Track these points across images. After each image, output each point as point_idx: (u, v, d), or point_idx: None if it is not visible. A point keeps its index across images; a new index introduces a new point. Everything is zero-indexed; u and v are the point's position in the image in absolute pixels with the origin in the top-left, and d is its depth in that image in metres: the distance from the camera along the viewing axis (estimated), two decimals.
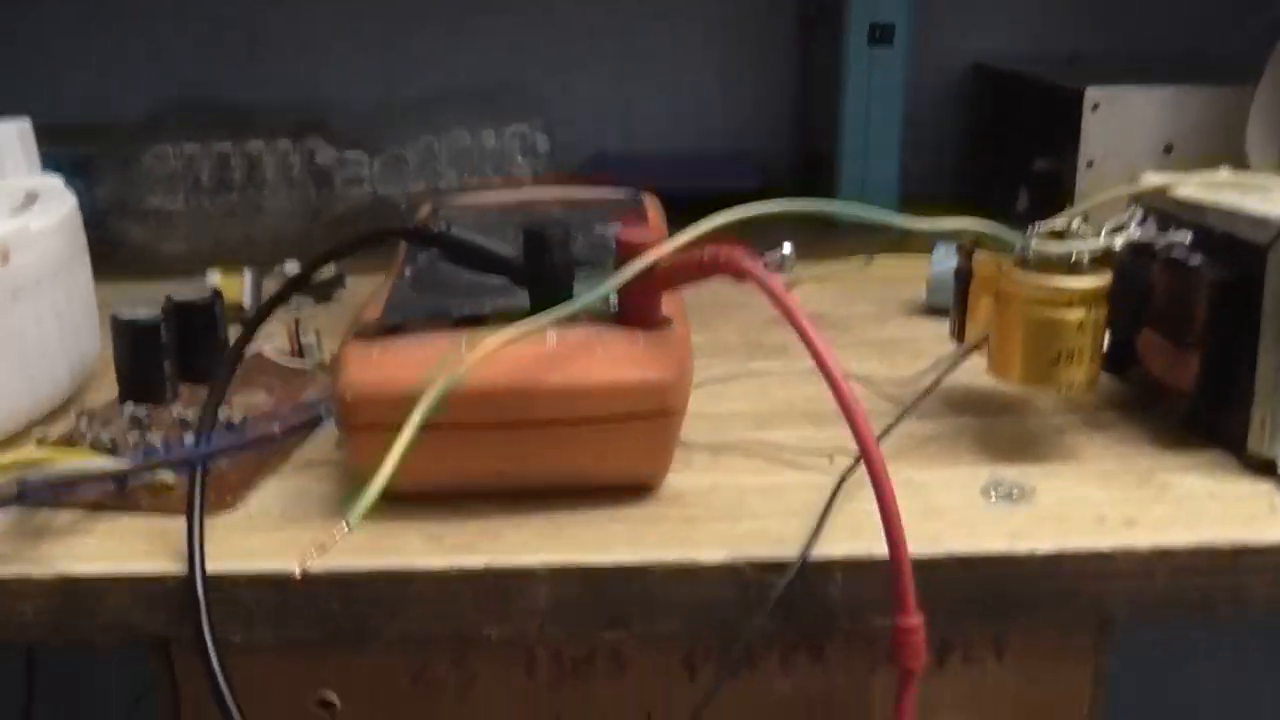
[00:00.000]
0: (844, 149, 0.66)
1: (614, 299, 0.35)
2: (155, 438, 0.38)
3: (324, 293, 0.56)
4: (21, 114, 0.50)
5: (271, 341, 0.47)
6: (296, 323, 0.46)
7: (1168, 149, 0.62)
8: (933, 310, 0.51)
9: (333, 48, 0.74)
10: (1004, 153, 0.72)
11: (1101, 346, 0.36)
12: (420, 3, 0.74)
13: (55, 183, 0.48)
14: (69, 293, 0.43)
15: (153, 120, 0.64)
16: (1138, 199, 0.41)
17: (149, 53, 0.76)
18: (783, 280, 0.56)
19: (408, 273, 0.41)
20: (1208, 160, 0.62)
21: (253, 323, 0.40)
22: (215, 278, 0.54)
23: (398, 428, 0.31)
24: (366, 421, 0.33)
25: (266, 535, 0.34)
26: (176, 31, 0.75)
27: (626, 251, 0.34)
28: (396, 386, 0.32)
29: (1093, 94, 0.61)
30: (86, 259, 0.46)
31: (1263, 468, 0.35)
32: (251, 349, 0.47)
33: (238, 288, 0.53)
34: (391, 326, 0.36)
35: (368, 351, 0.34)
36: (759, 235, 0.55)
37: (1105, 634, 0.34)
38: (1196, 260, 0.36)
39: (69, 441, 0.38)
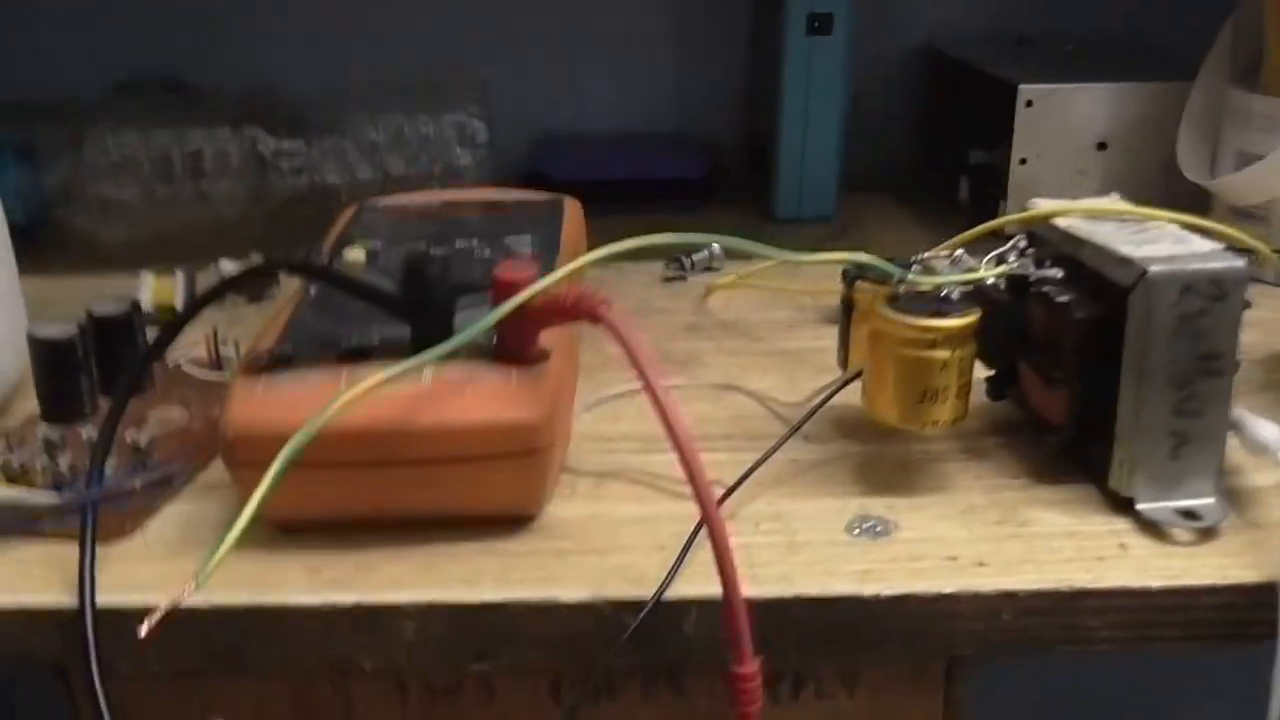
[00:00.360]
0: (783, 139, 0.66)
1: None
2: (64, 462, 0.39)
3: (256, 291, 0.57)
4: None
5: (194, 349, 0.49)
6: (215, 333, 0.48)
7: (1101, 145, 0.62)
8: None
9: (283, 26, 0.75)
10: (950, 138, 0.72)
11: (969, 384, 0.37)
12: None
13: None
14: None
15: (98, 105, 0.65)
16: (1025, 224, 0.41)
17: (103, 28, 0.76)
18: (708, 281, 0.57)
19: (311, 292, 0.42)
20: (1141, 158, 0.63)
21: (158, 345, 0.41)
22: (148, 279, 0.55)
23: None
24: (247, 459, 0.34)
25: (160, 565, 0.35)
26: (129, 7, 0.75)
27: (502, 290, 0.35)
28: (275, 427, 0.33)
29: (1026, 90, 0.61)
30: (11, 269, 0.47)
31: (1122, 504, 0.36)
32: (175, 357, 0.49)
33: (170, 289, 0.55)
34: (281, 357, 0.37)
35: (252, 388, 0.35)
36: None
37: (956, 667, 0.35)
38: (1066, 297, 0.36)
39: None
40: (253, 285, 0.56)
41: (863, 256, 0.38)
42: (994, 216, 0.63)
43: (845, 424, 0.42)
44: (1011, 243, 0.40)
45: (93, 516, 0.35)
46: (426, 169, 0.64)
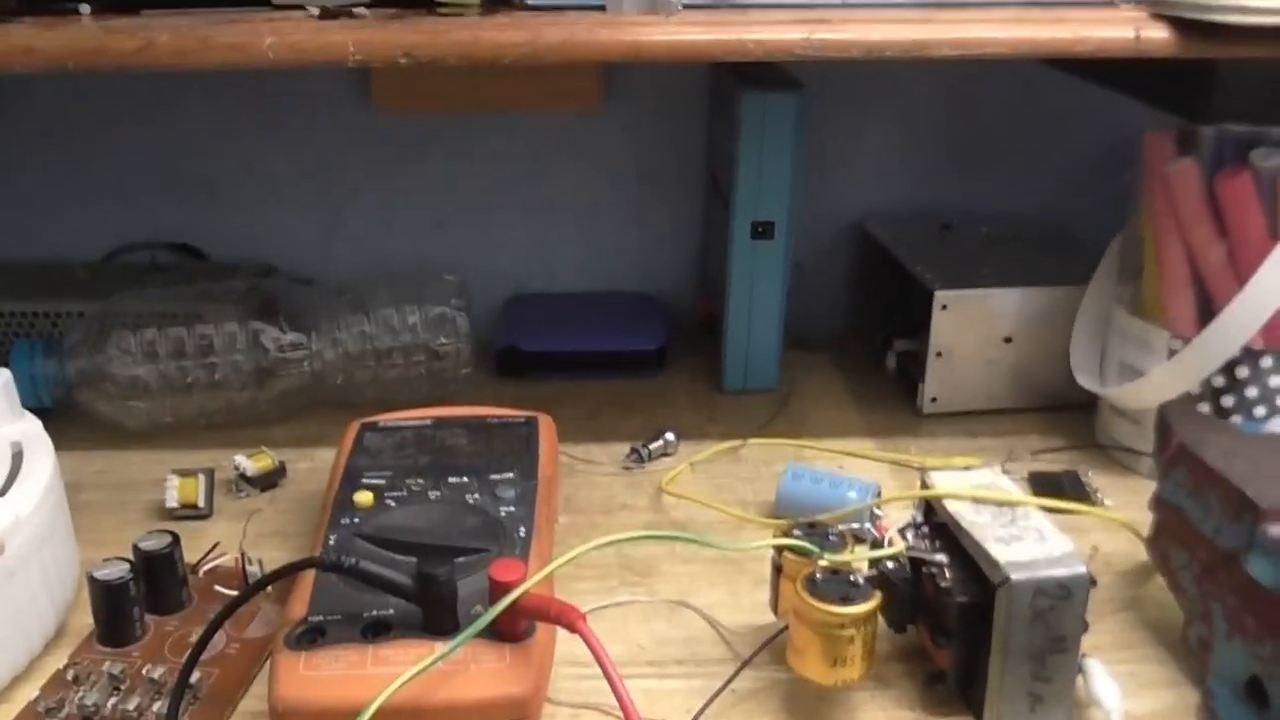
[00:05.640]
0: (730, 323, 0.75)
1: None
2: (129, 704, 0.47)
3: (268, 483, 0.65)
4: None
5: (222, 559, 0.57)
6: (244, 555, 0.56)
7: (1007, 339, 0.71)
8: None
9: (281, 206, 0.83)
10: (878, 312, 0.81)
11: (873, 649, 0.46)
12: (359, 161, 0.83)
13: (34, 428, 0.56)
14: (55, 551, 0.52)
15: (115, 305, 0.72)
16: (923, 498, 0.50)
17: (111, 193, 0.83)
18: (664, 467, 0.65)
19: (332, 540, 0.51)
20: (1043, 350, 0.72)
21: (221, 617, 0.48)
22: (174, 480, 0.62)
23: None
24: None
25: None
26: (136, 176, 0.83)
27: (497, 588, 0.44)
28: (317, 704, 0.42)
29: (942, 296, 0.70)
30: (65, 508, 0.55)
31: None
32: (206, 565, 0.57)
33: (193, 489, 0.62)
34: (314, 629, 0.45)
35: (294, 664, 0.44)
36: (653, 408, 0.69)
37: None
38: (947, 581, 0.45)
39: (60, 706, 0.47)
40: (266, 480, 0.65)
41: (789, 540, 0.47)
42: (915, 397, 0.73)
43: (777, 651, 0.51)
44: (912, 515, 0.49)
45: None
46: (415, 353, 0.72)
